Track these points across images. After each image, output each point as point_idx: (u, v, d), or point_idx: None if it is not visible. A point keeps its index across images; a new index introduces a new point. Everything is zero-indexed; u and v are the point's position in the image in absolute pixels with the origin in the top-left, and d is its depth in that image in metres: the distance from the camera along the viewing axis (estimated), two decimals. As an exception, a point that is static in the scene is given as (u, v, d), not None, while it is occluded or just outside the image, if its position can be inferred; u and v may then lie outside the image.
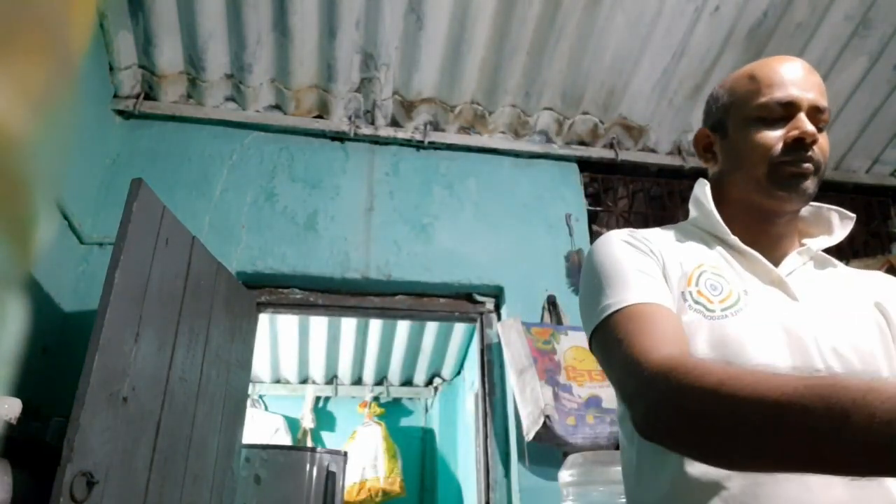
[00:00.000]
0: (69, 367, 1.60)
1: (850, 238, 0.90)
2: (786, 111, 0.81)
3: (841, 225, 0.90)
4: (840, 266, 0.91)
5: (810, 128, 0.79)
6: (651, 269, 0.79)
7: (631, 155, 2.92)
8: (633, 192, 3.04)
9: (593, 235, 2.73)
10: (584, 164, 2.90)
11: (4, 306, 0.23)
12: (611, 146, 2.91)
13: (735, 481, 0.66)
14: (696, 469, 0.68)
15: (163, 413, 1.73)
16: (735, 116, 0.86)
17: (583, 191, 2.84)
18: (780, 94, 0.82)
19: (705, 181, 0.93)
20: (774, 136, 0.81)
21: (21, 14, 0.23)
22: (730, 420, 0.53)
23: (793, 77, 0.83)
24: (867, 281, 0.88)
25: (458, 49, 2.52)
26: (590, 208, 2.81)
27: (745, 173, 0.85)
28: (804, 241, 0.90)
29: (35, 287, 1.94)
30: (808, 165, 0.80)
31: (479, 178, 2.75)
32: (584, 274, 0.84)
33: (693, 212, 0.94)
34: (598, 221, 2.84)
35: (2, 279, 0.23)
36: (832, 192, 3.06)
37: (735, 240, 0.85)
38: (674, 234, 0.90)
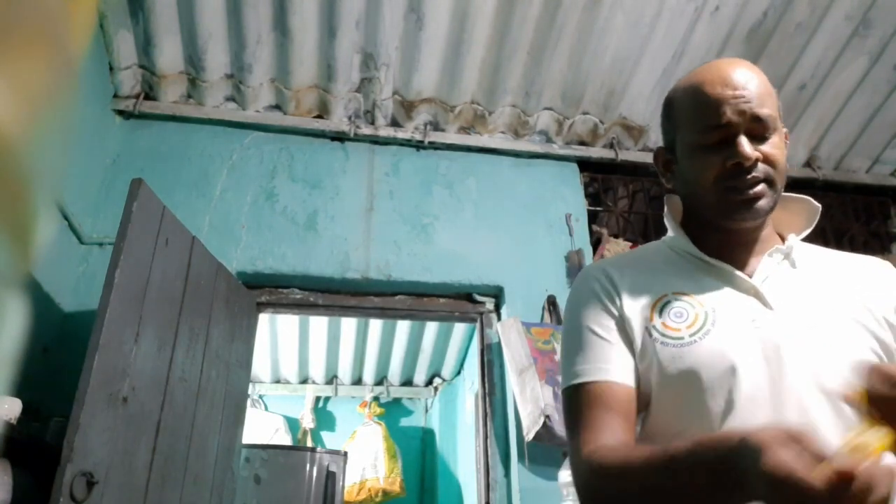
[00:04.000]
0: (69, 367, 1.60)
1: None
2: (724, 134, 0.80)
3: (808, 217, 0.88)
4: (820, 254, 0.89)
5: (747, 151, 0.78)
6: (613, 333, 0.82)
7: (631, 155, 2.92)
8: (633, 192, 3.04)
9: (593, 235, 2.73)
10: (584, 164, 2.90)
11: (4, 306, 0.23)
12: (611, 146, 2.91)
13: None
14: None
15: (163, 413, 1.73)
16: (680, 142, 0.86)
17: (583, 191, 2.84)
18: (714, 120, 0.80)
19: (673, 196, 0.94)
20: (717, 162, 0.80)
21: (21, 14, 0.23)
22: (631, 489, 0.68)
23: (726, 94, 0.80)
24: (852, 270, 0.86)
25: (458, 49, 2.52)
26: (590, 208, 2.81)
27: (698, 198, 0.85)
28: (785, 232, 0.89)
29: (35, 287, 1.94)
30: (756, 188, 0.79)
31: (479, 178, 2.75)
32: (564, 319, 0.94)
33: (669, 229, 0.93)
34: (598, 221, 2.84)
35: (2, 279, 0.23)
36: (832, 192, 3.06)
37: (704, 256, 0.85)
38: (646, 260, 0.91)
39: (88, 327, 1.51)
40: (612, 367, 0.80)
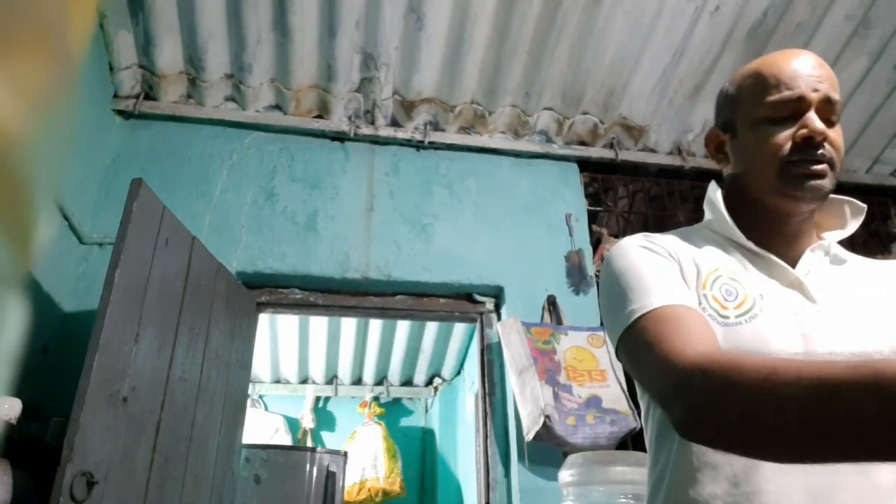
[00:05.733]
0: (69, 367, 1.60)
1: (851, 238, 0.88)
2: (795, 109, 0.79)
3: (853, 216, 0.88)
4: (855, 258, 0.89)
5: (819, 126, 0.77)
6: (671, 271, 0.78)
7: (631, 155, 2.92)
8: (633, 192, 3.04)
9: (593, 235, 2.73)
10: (584, 164, 2.90)
11: (4, 306, 0.23)
12: (611, 146, 2.91)
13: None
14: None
15: (163, 413, 1.73)
16: (744, 116, 0.84)
17: (583, 191, 2.84)
18: (788, 92, 0.79)
19: (716, 185, 0.92)
20: (784, 136, 0.79)
21: (21, 14, 0.23)
22: (776, 413, 0.52)
23: (801, 72, 0.80)
24: (888, 272, 0.86)
25: (458, 49, 2.52)
26: (590, 208, 2.81)
27: (756, 174, 0.83)
28: (822, 234, 0.88)
29: (35, 287, 1.94)
30: (820, 165, 0.78)
31: (479, 178, 2.75)
32: (605, 282, 0.83)
33: (708, 214, 0.92)
34: (598, 221, 2.84)
35: (2, 279, 0.23)
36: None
37: (750, 244, 0.84)
38: (689, 238, 0.89)
39: (88, 327, 1.51)
40: (681, 294, 0.73)
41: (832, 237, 0.87)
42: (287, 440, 4.50)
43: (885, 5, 2.56)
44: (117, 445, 1.53)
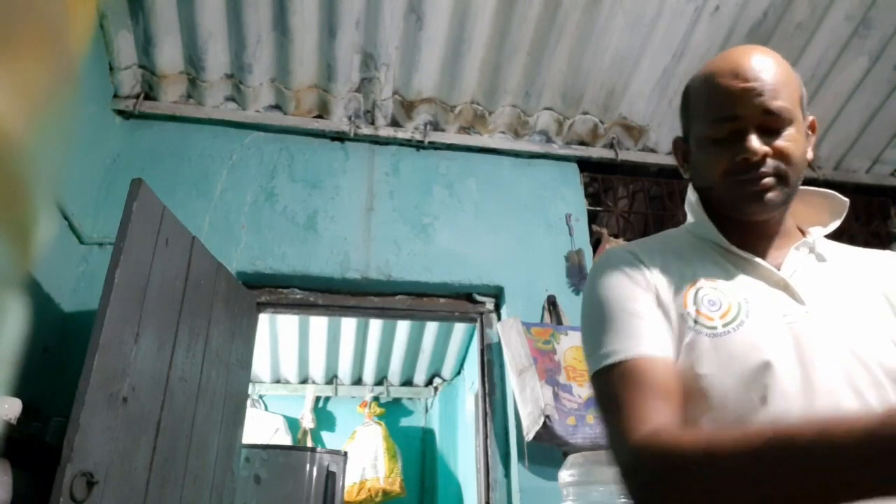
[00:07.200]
0: (69, 367, 1.60)
1: (851, 238, 0.87)
2: (733, 129, 0.78)
3: (834, 211, 0.87)
4: (842, 249, 0.88)
5: (755, 146, 0.76)
6: (645, 308, 0.78)
7: (631, 155, 2.92)
8: (633, 192, 3.04)
9: (593, 235, 2.73)
10: (584, 164, 2.90)
11: (4, 306, 0.23)
12: (611, 146, 2.91)
13: None
14: None
15: (163, 413, 1.73)
16: (693, 132, 0.85)
17: (583, 191, 2.84)
18: (724, 112, 0.78)
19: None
20: (725, 158, 0.79)
21: (21, 14, 0.23)
22: (717, 488, 0.56)
23: (737, 86, 0.78)
24: (874, 265, 0.85)
25: (458, 49, 2.52)
26: (590, 208, 2.81)
27: (711, 190, 0.84)
28: (808, 228, 0.88)
29: (35, 287, 1.94)
30: (764, 182, 0.77)
31: (479, 178, 2.75)
32: (584, 304, 0.85)
33: (690, 217, 0.91)
34: (598, 221, 2.84)
35: (2, 279, 0.23)
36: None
37: (733, 247, 0.83)
38: (672, 245, 0.88)
39: (88, 327, 1.51)
40: (647, 340, 0.75)
41: (817, 232, 0.86)
42: (287, 440, 4.50)
43: (885, 5, 2.56)
44: (117, 445, 1.53)
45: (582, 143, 2.90)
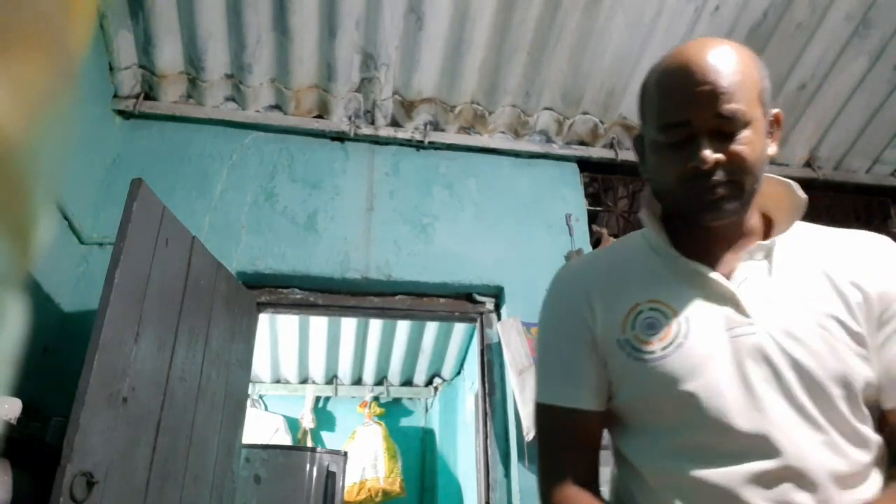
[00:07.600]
0: (69, 367, 1.60)
1: None
2: (684, 134, 0.74)
3: (794, 210, 0.80)
4: (806, 242, 0.81)
5: (706, 154, 0.72)
6: (581, 352, 0.81)
7: (631, 155, 2.92)
8: (633, 192, 3.04)
9: (593, 235, 2.73)
10: (584, 164, 2.90)
11: (4, 306, 0.23)
12: (611, 146, 2.91)
13: None
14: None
15: (163, 413, 1.73)
16: (647, 134, 0.81)
17: (583, 191, 2.84)
18: (674, 117, 0.75)
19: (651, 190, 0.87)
20: (677, 164, 0.75)
21: (21, 14, 0.23)
22: None
23: (688, 89, 0.74)
24: (826, 247, 0.80)
25: (458, 49, 2.52)
26: (590, 208, 2.81)
27: (664, 194, 0.81)
28: (770, 214, 0.83)
29: (35, 287, 1.94)
30: (718, 190, 0.73)
31: (479, 178, 2.75)
32: (539, 324, 0.91)
33: (644, 221, 0.86)
34: (598, 221, 2.84)
35: (2, 279, 0.23)
36: (832, 191, 3.06)
37: (682, 258, 0.79)
38: (621, 259, 0.86)
39: (88, 327, 1.51)
40: (583, 391, 0.81)
41: (778, 230, 0.80)
42: (287, 440, 4.50)
43: (885, 5, 2.56)
44: (117, 445, 1.53)
45: (582, 143, 2.90)
